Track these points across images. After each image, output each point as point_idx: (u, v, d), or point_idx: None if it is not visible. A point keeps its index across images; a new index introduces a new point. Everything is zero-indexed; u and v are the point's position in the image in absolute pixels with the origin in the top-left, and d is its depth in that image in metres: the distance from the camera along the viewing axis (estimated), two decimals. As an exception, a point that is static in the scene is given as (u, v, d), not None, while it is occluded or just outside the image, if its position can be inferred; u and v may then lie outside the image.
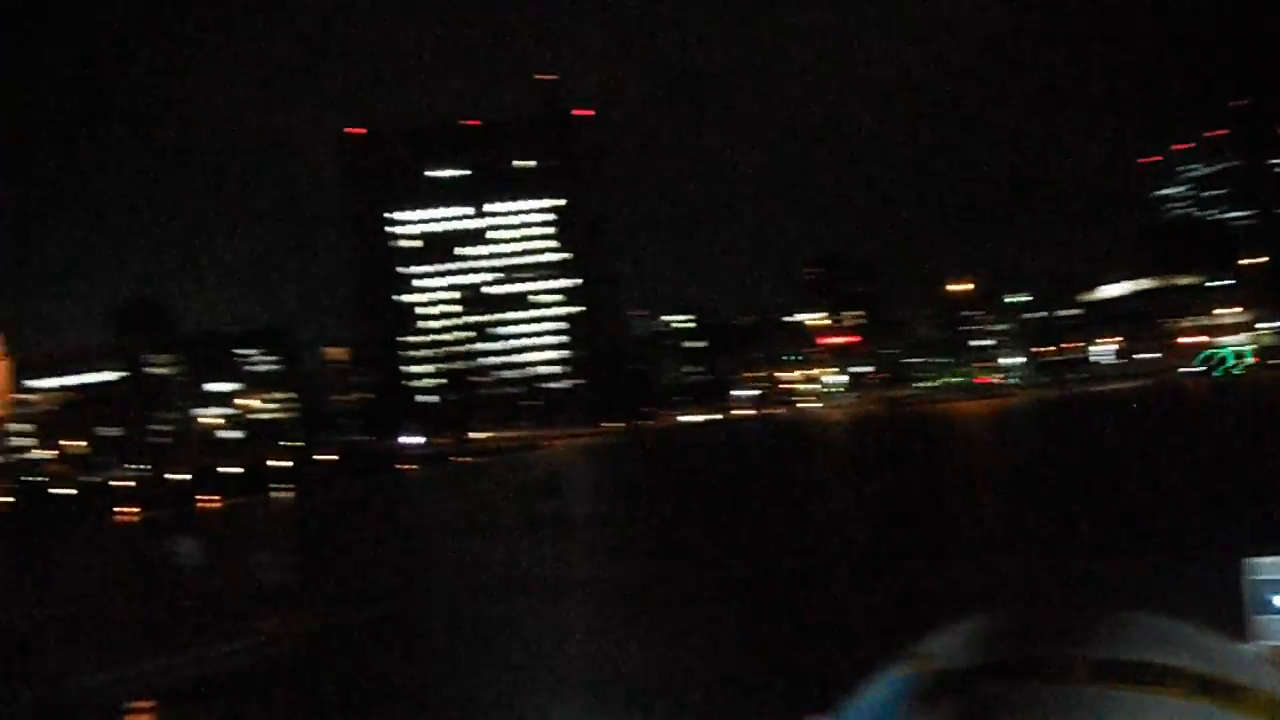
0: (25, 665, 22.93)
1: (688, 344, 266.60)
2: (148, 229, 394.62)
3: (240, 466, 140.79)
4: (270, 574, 31.31)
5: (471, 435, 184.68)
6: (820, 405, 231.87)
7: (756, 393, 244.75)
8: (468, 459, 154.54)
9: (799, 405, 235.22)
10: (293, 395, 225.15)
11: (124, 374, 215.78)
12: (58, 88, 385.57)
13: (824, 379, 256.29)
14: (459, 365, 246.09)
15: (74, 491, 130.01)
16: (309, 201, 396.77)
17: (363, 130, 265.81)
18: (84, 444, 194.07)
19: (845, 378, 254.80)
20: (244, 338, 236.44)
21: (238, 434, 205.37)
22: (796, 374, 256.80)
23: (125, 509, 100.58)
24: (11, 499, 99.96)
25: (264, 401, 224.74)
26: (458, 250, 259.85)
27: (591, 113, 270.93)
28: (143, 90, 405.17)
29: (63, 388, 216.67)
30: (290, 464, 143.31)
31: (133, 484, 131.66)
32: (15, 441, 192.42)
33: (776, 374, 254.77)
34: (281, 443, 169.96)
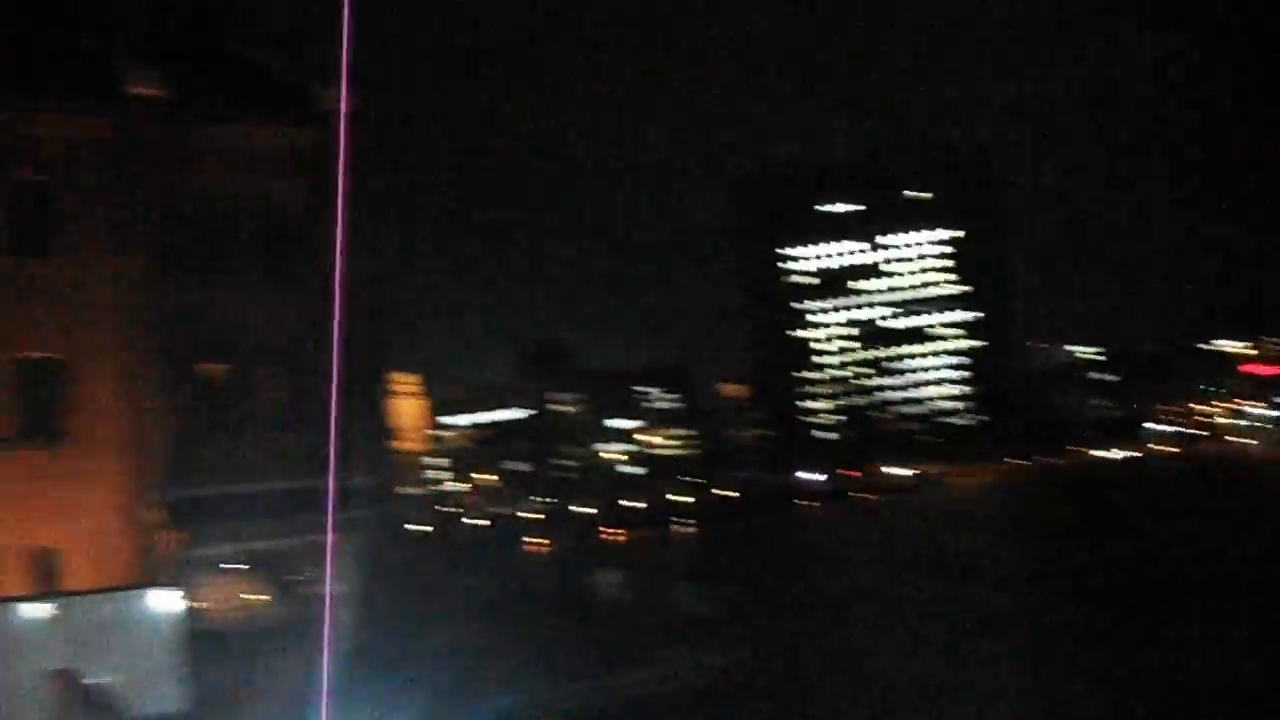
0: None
1: (1095, 376, 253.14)
2: (551, 271, 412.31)
3: (643, 501, 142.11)
4: (689, 606, 30.00)
5: (871, 471, 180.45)
6: (1253, 441, 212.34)
7: (1172, 428, 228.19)
8: (868, 495, 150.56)
9: (1229, 440, 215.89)
10: (692, 432, 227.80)
11: (531, 411, 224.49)
12: (463, 133, 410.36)
13: (1250, 411, 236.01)
14: (857, 400, 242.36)
15: (486, 521, 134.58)
16: (704, 239, 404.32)
17: (754, 168, 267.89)
18: (494, 477, 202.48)
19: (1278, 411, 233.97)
20: (645, 375, 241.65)
21: (639, 469, 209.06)
22: (1217, 407, 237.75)
23: (534, 539, 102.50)
24: (428, 527, 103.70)
25: (664, 438, 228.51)
26: (853, 284, 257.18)
27: (985, 142, 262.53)
28: (540, 131, 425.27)
29: (474, 425, 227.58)
30: (691, 499, 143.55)
31: (540, 515, 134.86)
32: (431, 474, 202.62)
33: (1194, 406, 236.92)
34: (682, 478, 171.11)
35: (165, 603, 25.03)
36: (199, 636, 25.90)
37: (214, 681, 24.24)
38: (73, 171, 29.67)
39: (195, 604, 26.80)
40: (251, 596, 30.42)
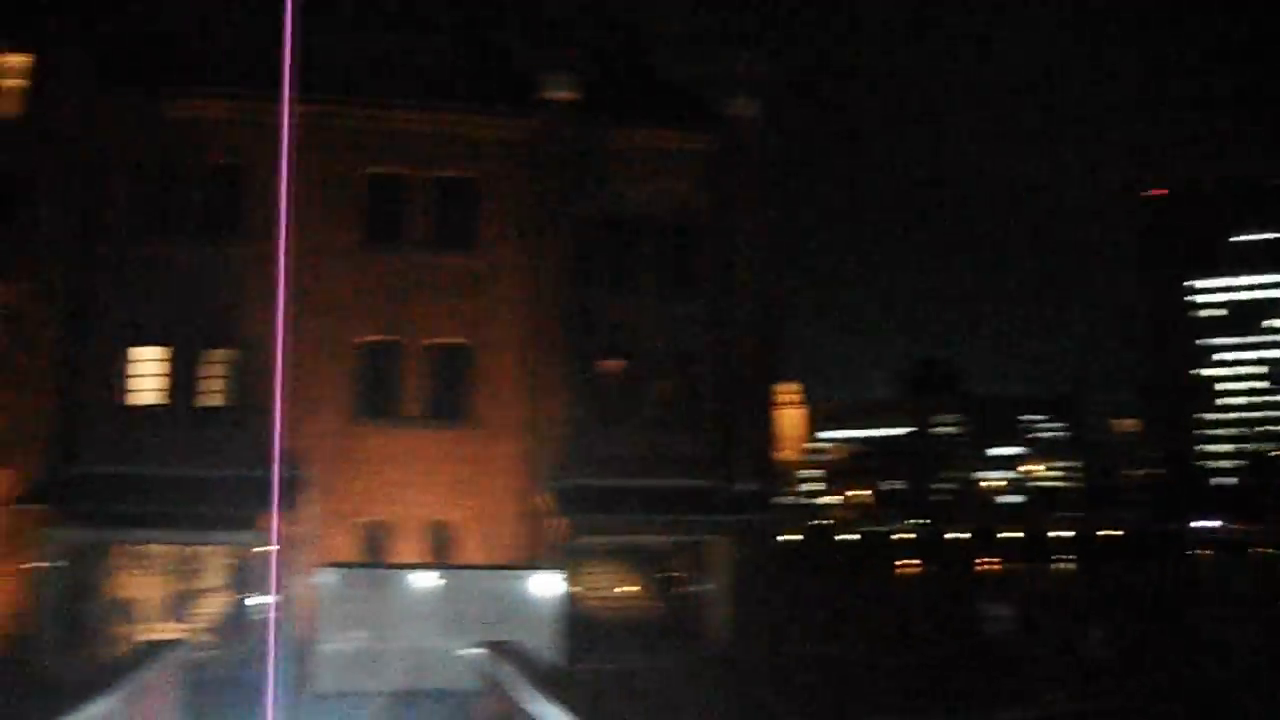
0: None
1: None
2: (938, 289, 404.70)
3: (1019, 532, 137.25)
4: (1088, 649, 28.35)
5: (1276, 523, 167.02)
6: None
7: None
8: (1271, 549, 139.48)
9: None
10: (1077, 465, 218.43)
11: (910, 430, 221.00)
12: (863, 143, 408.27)
13: None
14: (1263, 446, 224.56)
15: (856, 537, 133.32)
16: (1102, 265, 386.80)
17: (1163, 191, 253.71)
18: (868, 494, 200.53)
19: None
20: (1030, 403, 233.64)
21: (1017, 499, 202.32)
22: None
23: (906, 561, 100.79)
24: (800, 536, 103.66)
25: (1047, 469, 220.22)
26: (1267, 322, 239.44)
27: None
28: (943, 143, 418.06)
29: (851, 439, 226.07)
30: (1071, 534, 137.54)
31: (912, 536, 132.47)
32: (806, 486, 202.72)
33: None
34: (1061, 513, 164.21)
35: (548, 585, 25.90)
36: (576, 620, 26.67)
37: (588, 665, 24.87)
38: (493, 171, 31.26)
39: (575, 589, 27.63)
40: (627, 588, 31.09)
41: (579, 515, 28.83)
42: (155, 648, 15.14)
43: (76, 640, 27.16)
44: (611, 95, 32.41)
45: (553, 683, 10.98)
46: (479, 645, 18.37)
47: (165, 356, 29.65)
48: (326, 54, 31.03)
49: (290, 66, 13.75)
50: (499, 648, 15.83)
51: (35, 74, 29.98)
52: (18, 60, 30.13)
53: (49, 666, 25.84)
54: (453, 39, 33.16)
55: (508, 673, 13.53)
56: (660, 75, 34.87)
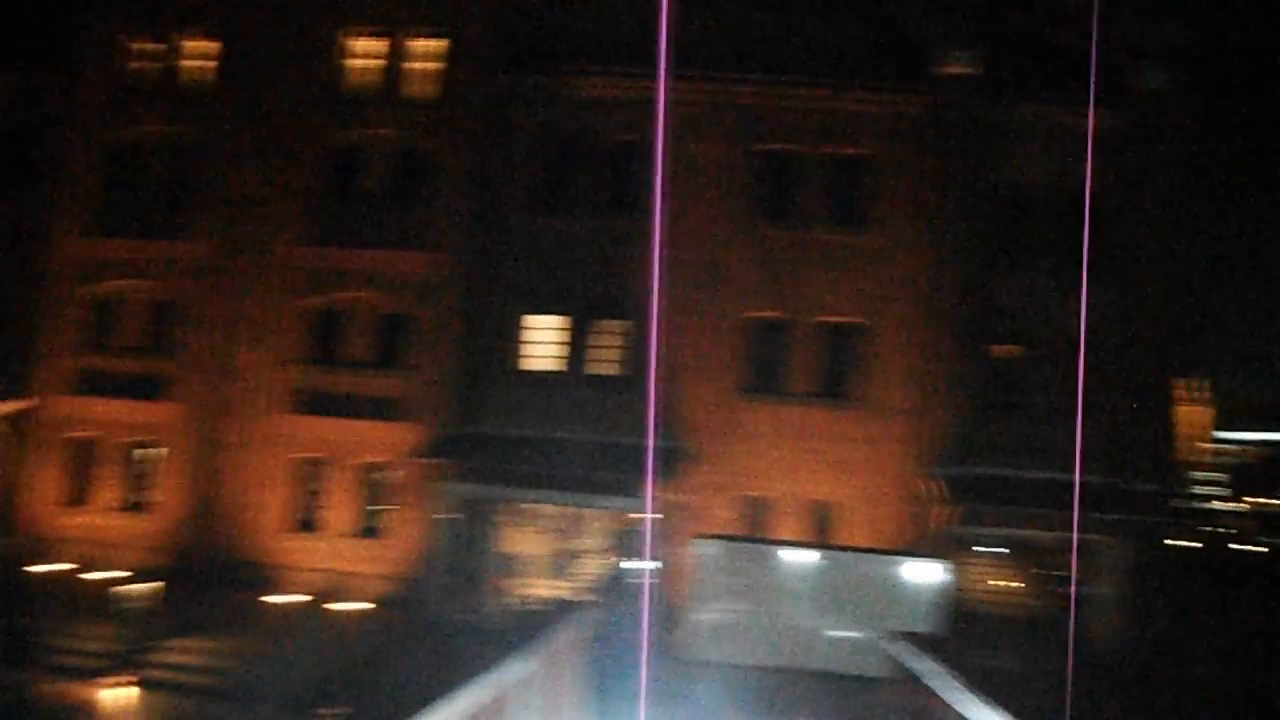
0: None
1: None
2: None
3: None
4: None
5: None
6: None
7: None
8: None
9: None
10: None
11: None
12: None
13: None
14: None
15: (1258, 549, 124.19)
16: None
17: None
18: (1274, 502, 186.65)
19: None
20: None
21: None
22: None
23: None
24: (1198, 544, 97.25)
25: None
26: None
27: None
28: None
29: (1259, 442, 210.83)
30: None
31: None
32: (1205, 490, 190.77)
33: None
34: None
35: (931, 574, 25.18)
36: (955, 613, 25.84)
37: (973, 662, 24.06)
38: (887, 147, 30.61)
39: (951, 579, 26.74)
40: (1008, 583, 29.99)
41: (967, 504, 27.92)
42: (565, 609, 15.47)
43: (462, 589, 28.62)
44: (1010, 68, 31.12)
45: (986, 685, 10.37)
46: (889, 633, 17.86)
47: (560, 325, 30.71)
48: (719, 32, 31.31)
49: (665, 48, 13.80)
50: (917, 639, 15.26)
51: (445, 57, 31.65)
52: (430, 44, 31.88)
53: (438, 612, 27.38)
54: (845, 13, 32.66)
55: (930, 667, 12.92)
56: (1063, 46, 33.15)
